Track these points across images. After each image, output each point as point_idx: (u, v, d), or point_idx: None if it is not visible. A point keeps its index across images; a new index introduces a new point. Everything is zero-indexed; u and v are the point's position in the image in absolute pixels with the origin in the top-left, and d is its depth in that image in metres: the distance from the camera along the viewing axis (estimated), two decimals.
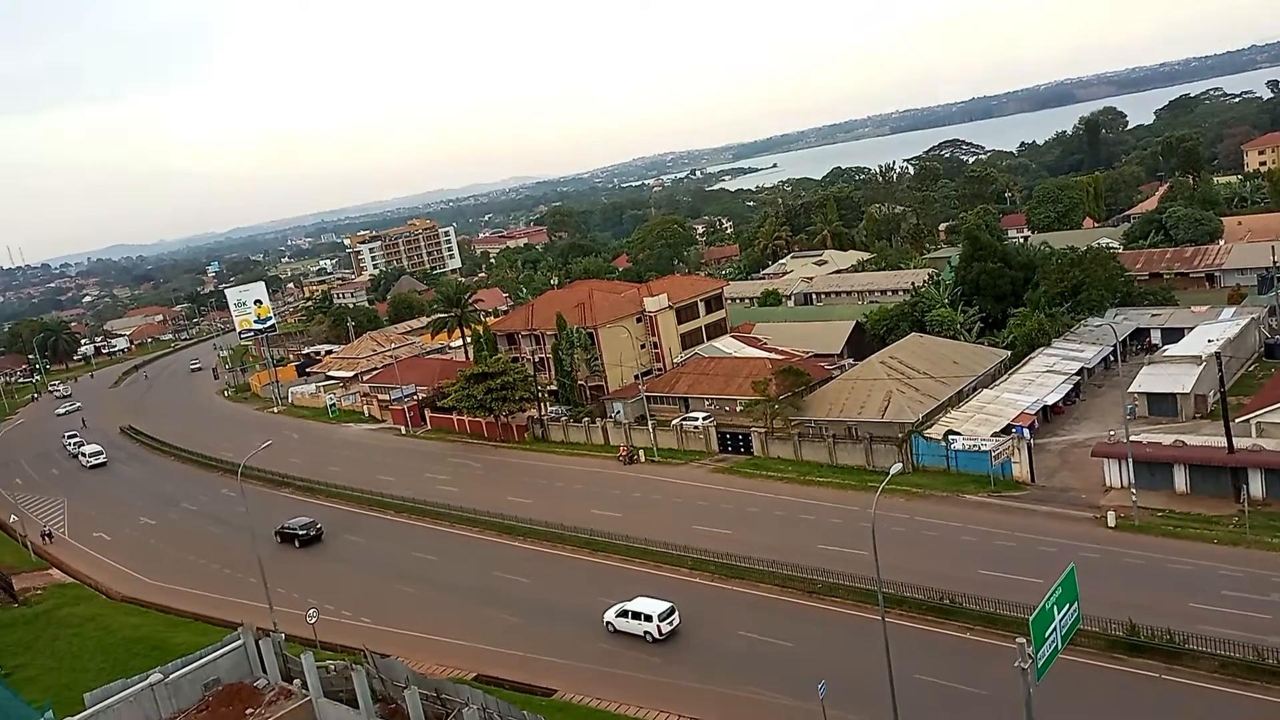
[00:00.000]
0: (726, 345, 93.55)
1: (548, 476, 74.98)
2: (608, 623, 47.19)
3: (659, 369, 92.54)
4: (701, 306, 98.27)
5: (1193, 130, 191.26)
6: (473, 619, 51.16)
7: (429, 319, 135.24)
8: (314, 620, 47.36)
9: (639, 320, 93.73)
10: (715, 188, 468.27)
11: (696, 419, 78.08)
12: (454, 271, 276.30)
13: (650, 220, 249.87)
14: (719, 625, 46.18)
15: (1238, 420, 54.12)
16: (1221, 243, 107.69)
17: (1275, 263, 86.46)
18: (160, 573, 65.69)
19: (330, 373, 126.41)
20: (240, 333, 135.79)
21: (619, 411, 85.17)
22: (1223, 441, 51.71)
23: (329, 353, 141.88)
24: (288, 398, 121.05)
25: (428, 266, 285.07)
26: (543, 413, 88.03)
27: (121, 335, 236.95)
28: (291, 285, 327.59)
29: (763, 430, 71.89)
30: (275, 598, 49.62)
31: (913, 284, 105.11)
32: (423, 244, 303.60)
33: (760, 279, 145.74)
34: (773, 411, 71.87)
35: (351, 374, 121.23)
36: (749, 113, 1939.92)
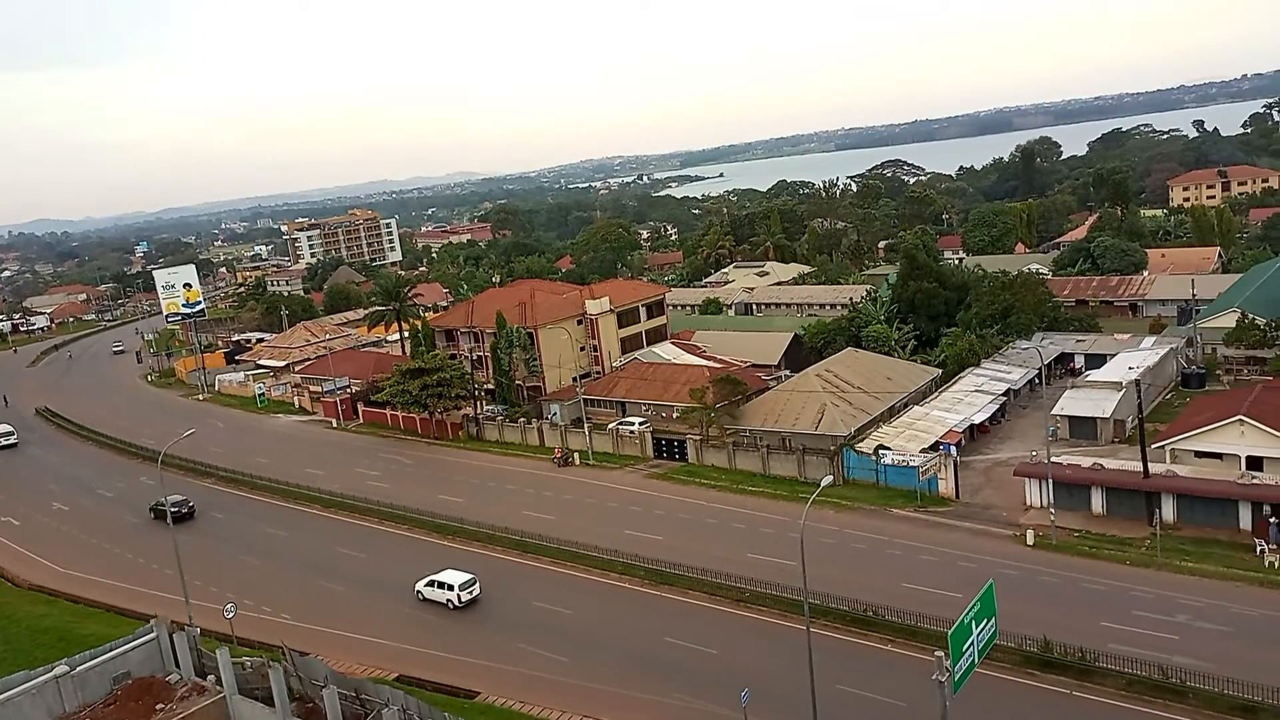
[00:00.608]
0: (666, 351, 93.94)
1: (481, 476, 74.28)
2: (418, 592, 52.32)
3: (598, 372, 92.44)
4: (643, 311, 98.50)
5: (1122, 163, 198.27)
6: (397, 618, 50.38)
7: (366, 311, 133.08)
8: (231, 615, 46.15)
9: (580, 322, 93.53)
10: (662, 194, 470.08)
11: (633, 424, 78.18)
12: (394, 264, 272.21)
13: (595, 223, 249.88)
14: (646, 631, 46.27)
15: (1154, 446, 56.13)
16: (1145, 274, 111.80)
17: (1195, 295, 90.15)
18: (72, 561, 63.28)
19: (260, 361, 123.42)
20: (167, 316, 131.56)
21: (555, 413, 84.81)
22: (1139, 466, 53.59)
23: (260, 341, 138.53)
24: (214, 385, 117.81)
25: (367, 258, 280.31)
26: (478, 411, 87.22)
27: (42, 313, 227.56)
28: (224, 270, 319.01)
29: (698, 438, 72.31)
30: (192, 591, 48.24)
31: (851, 299, 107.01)
32: (363, 234, 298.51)
33: (702, 287, 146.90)
34: (709, 419, 72.38)
35: (283, 364, 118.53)
36: (698, 122, 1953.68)
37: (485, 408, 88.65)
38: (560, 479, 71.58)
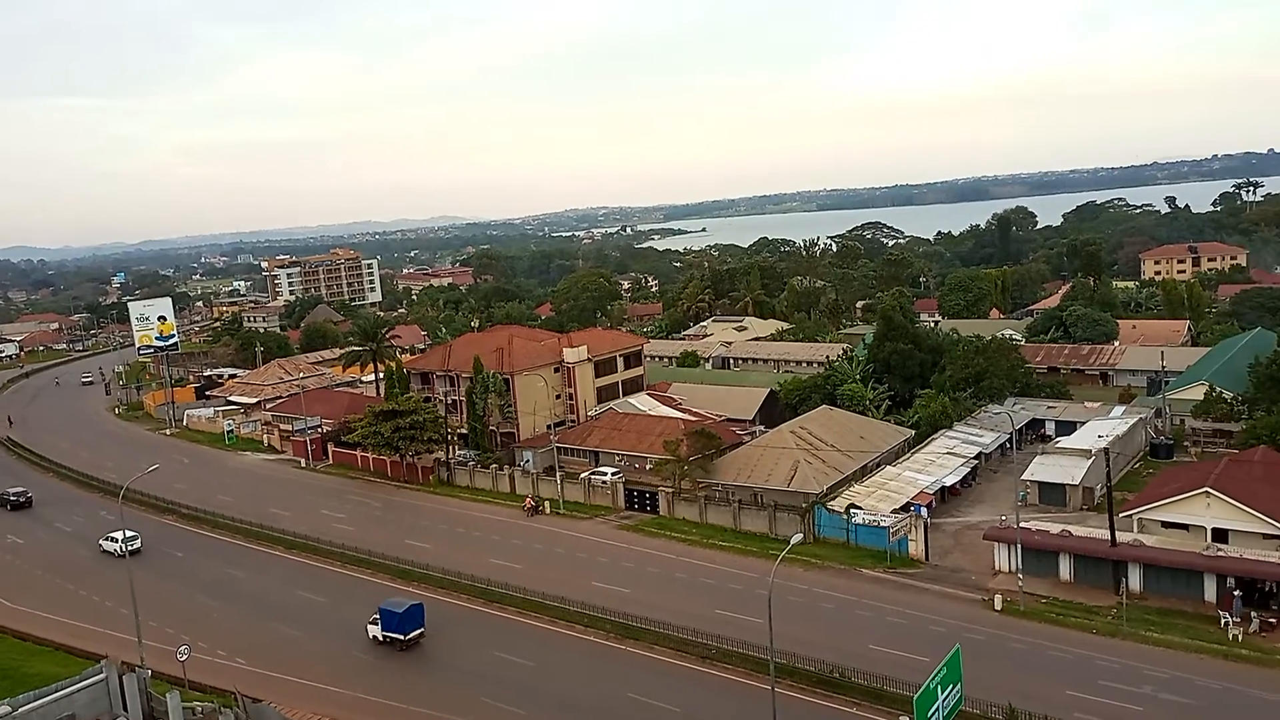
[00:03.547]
0: (642, 402, 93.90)
1: (449, 522, 73.41)
2: (99, 544, 67.60)
3: (572, 421, 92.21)
4: (620, 361, 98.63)
5: (1096, 235, 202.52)
6: (357, 666, 49.26)
7: (342, 351, 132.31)
8: (184, 658, 45.01)
9: (557, 370, 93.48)
10: (644, 246, 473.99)
11: (605, 474, 77.79)
12: (374, 305, 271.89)
13: (577, 271, 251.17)
14: (609, 686, 45.50)
15: (1121, 515, 56.42)
16: (1116, 344, 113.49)
17: (1164, 367, 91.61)
18: (23, 596, 61.48)
19: (231, 398, 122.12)
20: (139, 348, 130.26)
21: (528, 460, 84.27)
22: (1106, 534, 53.85)
23: (233, 377, 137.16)
24: (183, 420, 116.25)
25: (347, 297, 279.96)
26: (450, 456, 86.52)
27: (11, 341, 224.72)
28: (200, 304, 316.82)
29: (670, 490, 71.99)
30: (145, 631, 47.05)
31: (827, 357, 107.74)
32: (344, 274, 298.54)
33: (680, 339, 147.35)
34: (682, 472, 72.15)
35: (254, 401, 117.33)
36: (682, 176, 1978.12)
37: (457, 453, 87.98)
38: (530, 528, 70.85)
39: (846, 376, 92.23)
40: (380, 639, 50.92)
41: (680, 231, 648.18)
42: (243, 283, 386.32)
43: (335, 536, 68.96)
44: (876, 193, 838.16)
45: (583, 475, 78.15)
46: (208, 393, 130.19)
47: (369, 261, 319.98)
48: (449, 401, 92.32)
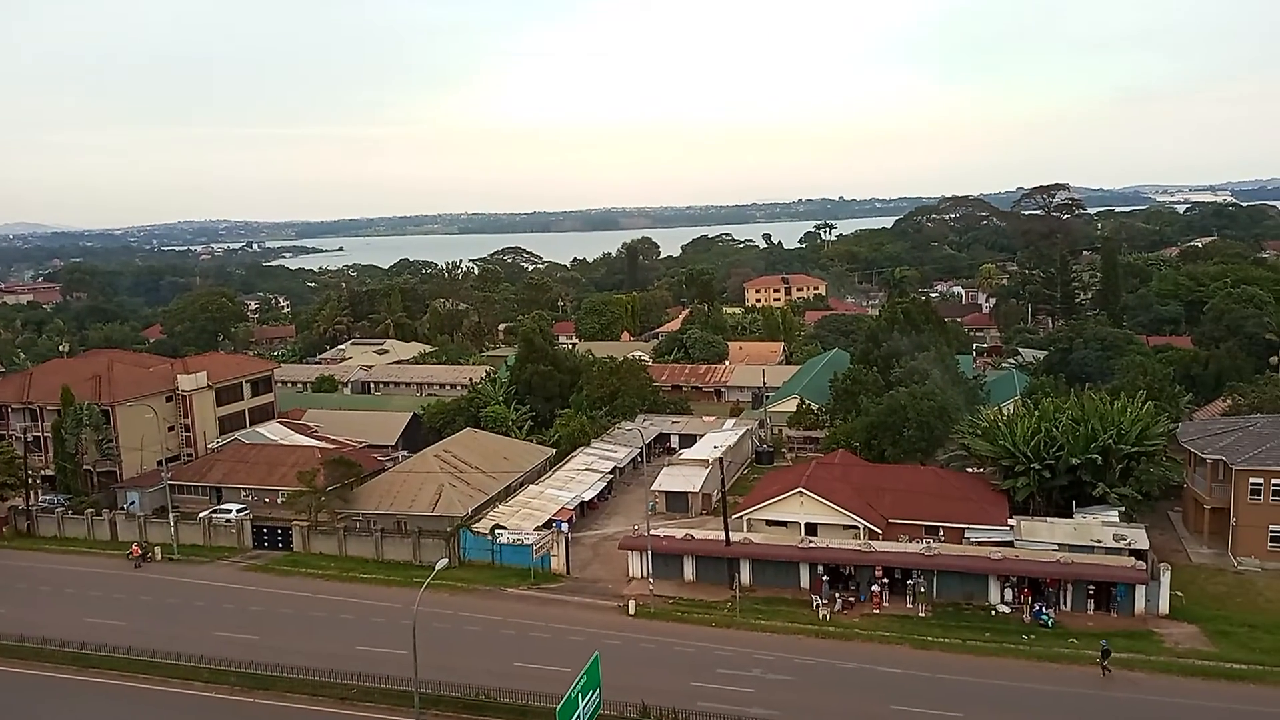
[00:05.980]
0: (272, 431, 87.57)
1: (31, 579, 62.63)
2: None
3: (189, 455, 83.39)
4: (246, 388, 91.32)
5: (709, 266, 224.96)
6: None
7: None
8: None
9: (169, 399, 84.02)
10: (274, 264, 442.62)
11: (230, 511, 71.18)
12: None
13: (195, 290, 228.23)
14: None
15: (734, 517, 62.91)
16: (727, 364, 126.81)
17: (765, 384, 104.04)
18: None
19: None
20: None
21: (134, 502, 74.67)
22: (722, 535, 59.75)
23: None
24: None
25: None
26: (32, 502, 73.89)
27: None
28: None
29: (305, 524, 67.67)
30: None
31: (471, 380, 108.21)
32: None
33: (317, 363, 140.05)
34: (318, 504, 68.21)
35: None
36: (317, 192, 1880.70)
37: (42, 498, 75.47)
38: (137, 578, 62.73)
39: (490, 398, 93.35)
40: None
41: (315, 250, 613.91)
42: None
43: None
44: (516, 218, 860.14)
45: (202, 515, 70.91)
46: None
47: None
48: (29, 439, 79.03)
